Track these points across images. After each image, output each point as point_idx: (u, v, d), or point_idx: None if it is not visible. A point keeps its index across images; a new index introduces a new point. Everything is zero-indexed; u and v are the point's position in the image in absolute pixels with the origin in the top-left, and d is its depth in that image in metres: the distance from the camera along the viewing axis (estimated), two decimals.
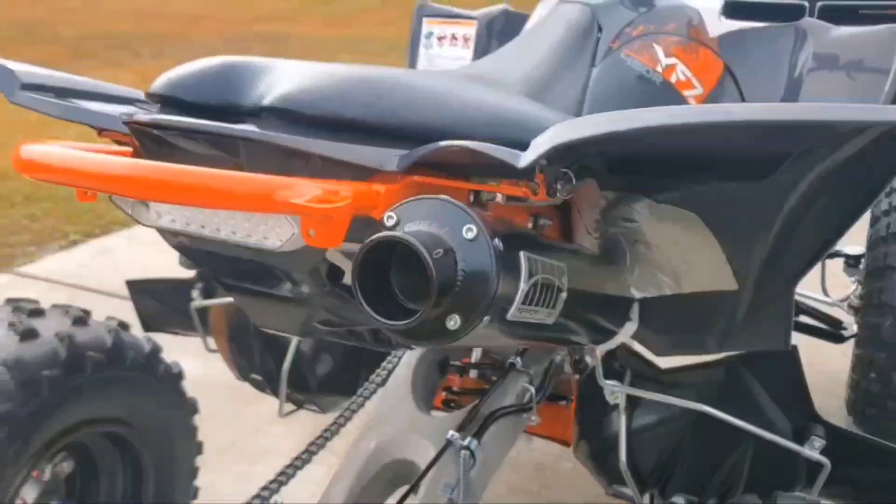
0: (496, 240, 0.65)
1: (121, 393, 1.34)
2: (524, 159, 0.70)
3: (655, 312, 1.10)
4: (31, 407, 1.17)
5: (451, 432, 1.18)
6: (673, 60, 1.61)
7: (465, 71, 1.35)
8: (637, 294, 1.09)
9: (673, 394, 1.19)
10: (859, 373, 1.90)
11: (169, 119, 0.86)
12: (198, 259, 0.98)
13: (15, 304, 1.31)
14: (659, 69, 1.56)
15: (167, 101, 0.91)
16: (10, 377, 1.15)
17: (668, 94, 1.58)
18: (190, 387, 1.49)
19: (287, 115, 0.81)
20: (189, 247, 0.94)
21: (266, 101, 0.81)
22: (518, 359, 1.31)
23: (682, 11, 1.70)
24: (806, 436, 1.18)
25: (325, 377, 1.47)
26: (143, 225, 0.94)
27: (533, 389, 1.29)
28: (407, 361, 1.36)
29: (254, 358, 1.54)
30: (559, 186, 0.77)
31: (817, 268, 2.12)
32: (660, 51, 1.57)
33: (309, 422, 1.85)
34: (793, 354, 1.18)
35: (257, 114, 0.83)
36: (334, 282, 0.87)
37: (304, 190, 0.67)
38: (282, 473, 1.20)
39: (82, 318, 1.31)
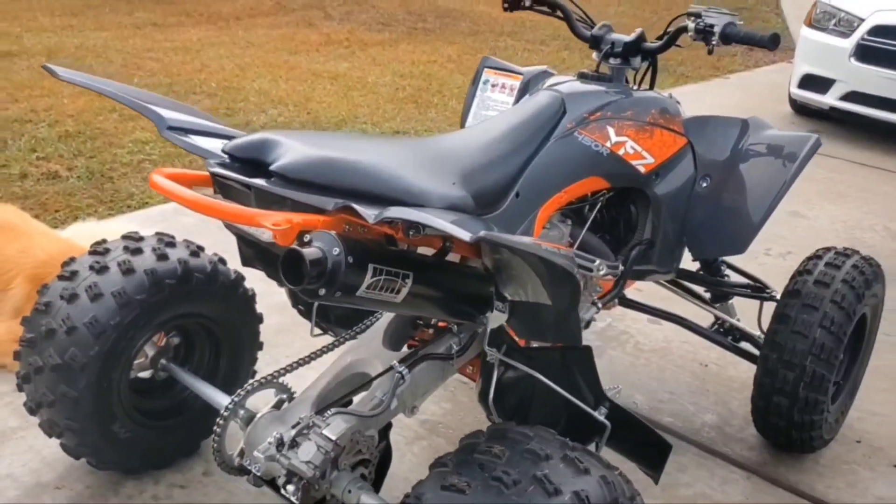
0: (349, 256, 1.36)
1: (213, 301, 2.15)
2: (373, 218, 1.39)
3: (519, 310, 1.77)
4: (156, 298, 1.99)
5: (395, 361, 1.90)
6: (623, 138, 2.20)
7: (427, 147, 1.83)
8: (508, 296, 1.76)
9: (528, 365, 1.85)
10: (765, 390, 2.42)
11: (215, 172, 1.61)
12: (244, 242, 1.77)
13: (160, 236, 2.14)
14: (608, 144, 2.16)
15: (230, 157, 1.66)
16: (146, 280, 1.97)
17: (615, 162, 2.18)
18: (259, 306, 2.30)
19: (282, 174, 1.54)
20: (241, 237, 1.72)
21: (272, 167, 1.55)
22: (455, 326, 2.01)
23: (646, 102, 2.28)
24: (596, 406, 1.83)
25: (339, 316, 2.20)
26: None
27: (456, 348, 1.98)
28: (387, 317, 2.09)
29: (297, 296, 2.30)
30: (411, 234, 1.47)
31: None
32: (612, 131, 2.17)
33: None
34: (588, 351, 1.83)
35: (269, 172, 1.57)
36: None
37: (270, 218, 1.40)
38: (287, 367, 1.96)
39: (196, 252, 2.13)
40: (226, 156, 1.63)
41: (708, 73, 8.40)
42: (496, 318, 1.82)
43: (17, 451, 2.24)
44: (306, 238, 1.39)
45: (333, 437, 1.70)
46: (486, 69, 2.73)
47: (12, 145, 4.47)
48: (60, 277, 2.00)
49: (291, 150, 1.56)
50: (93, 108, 5.25)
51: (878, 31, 5.89)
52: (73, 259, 2.04)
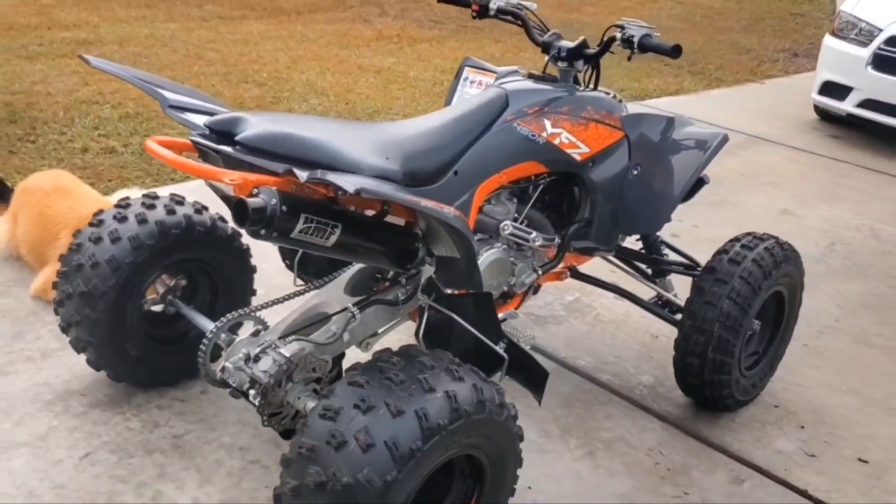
0: (284, 206, 1.81)
1: (212, 250, 2.63)
2: (304, 179, 1.82)
3: (441, 263, 2.20)
4: (164, 244, 2.48)
5: (349, 303, 2.35)
6: (558, 130, 2.60)
7: (377, 131, 2.23)
8: (436, 251, 2.20)
9: (449, 308, 2.27)
10: (682, 352, 2.79)
11: (194, 140, 2.07)
12: (221, 197, 2.25)
13: (172, 196, 2.63)
14: (544, 135, 2.55)
15: (209, 130, 2.11)
16: (156, 228, 2.46)
17: (550, 150, 2.57)
18: (267, 266, 2.78)
19: (244, 143, 2.00)
20: (218, 194, 2.19)
21: (238, 137, 2.00)
22: (403, 279, 2.45)
23: (584, 100, 2.66)
24: (496, 341, 2.25)
25: (316, 269, 2.65)
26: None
27: (402, 297, 2.42)
28: (352, 270, 2.54)
29: (285, 252, 2.75)
30: (339, 194, 1.92)
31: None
32: (548, 123, 2.57)
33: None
34: (488, 296, 2.24)
35: (236, 141, 2.02)
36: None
37: (229, 175, 1.86)
38: (264, 304, 2.42)
39: (200, 210, 2.62)
40: (206, 129, 2.09)
41: (744, 77, 8.62)
42: (427, 271, 2.26)
43: (55, 366, 2.76)
44: (254, 191, 1.85)
45: (287, 355, 2.17)
46: (467, 67, 3.14)
47: (78, 123, 5.07)
48: (90, 224, 2.50)
49: (255, 125, 2.02)
50: None
51: (894, 41, 6.11)
52: (101, 210, 2.54)
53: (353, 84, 6.78)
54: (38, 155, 4.54)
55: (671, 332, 3.36)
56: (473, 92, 3.12)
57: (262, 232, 1.83)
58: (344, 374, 1.92)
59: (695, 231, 4.43)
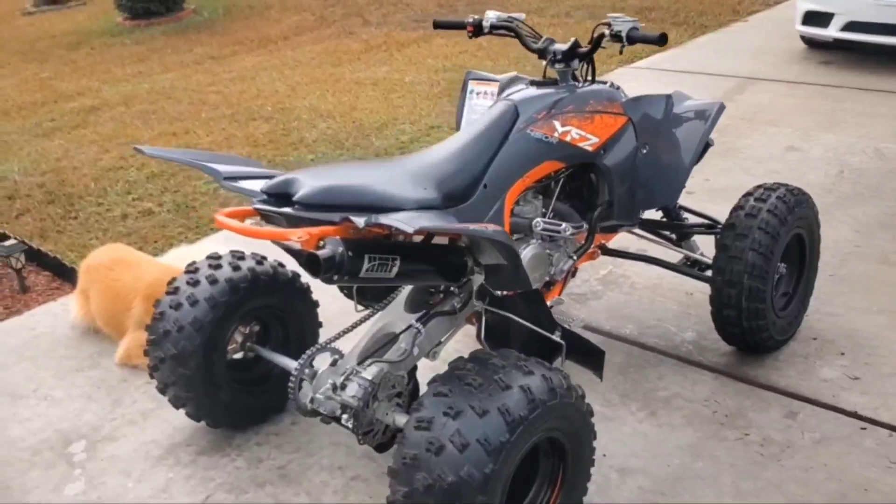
0: (350, 251, 2.05)
1: (278, 295, 2.88)
2: (362, 225, 2.06)
3: (489, 271, 2.44)
4: (236, 298, 2.73)
5: (412, 320, 2.60)
6: (568, 128, 2.82)
7: (410, 164, 2.47)
8: (482, 262, 2.44)
9: (503, 309, 2.52)
10: (718, 306, 3.03)
11: (258, 207, 2.31)
12: (288, 251, 2.50)
13: (233, 252, 2.89)
14: (556, 135, 2.78)
15: (266, 194, 2.35)
16: (227, 286, 2.72)
17: (564, 147, 2.81)
18: (324, 297, 3.03)
19: (302, 202, 2.23)
20: (285, 248, 2.45)
21: (296, 197, 2.24)
22: (454, 288, 2.69)
23: (585, 96, 2.89)
24: (552, 331, 2.49)
25: (372, 294, 2.90)
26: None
27: (458, 305, 2.66)
28: (407, 290, 2.79)
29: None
30: (393, 230, 2.16)
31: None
32: (557, 124, 2.79)
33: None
34: (538, 293, 2.48)
35: (294, 201, 2.26)
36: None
37: (296, 234, 2.10)
38: (336, 336, 2.68)
39: (261, 261, 2.87)
40: (264, 194, 2.34)
41: (728, 18, 8.78)
42: (477, 280, 2.51)
43: (156, 424, 3.03)
44: (321, 243, 2.10)
45: (369, 378, 2.42)
46: (470, 80, 3.36)
47: (111, 191, 5.35)
48: (167, 293, 2.77)
49: (306, 184, 2.26)
50: (170, 148, 6.10)
51: None
52: (174, 279, 2.81)
53: (355, 101, 7.02)
54: (83, 229, 4.82)
55: (704, 288, 3.59)
56: (481, 102, 3.34)
57: (335, 278, 2.08)
58: (427, 387, 2.17)
59: (707, 185, 4.64)
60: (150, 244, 4.54)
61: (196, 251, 4.00)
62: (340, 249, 2.07)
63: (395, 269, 2.21)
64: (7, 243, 4.15)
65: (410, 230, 1.91)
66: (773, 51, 7.29)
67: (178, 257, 3.87)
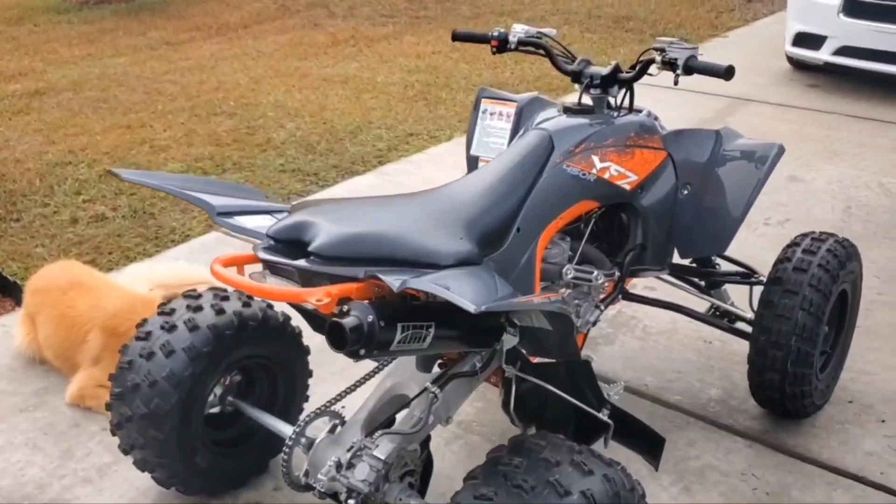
0: (381, 321, 1.68)
1: (267, 342, 2.48)
2: (396, 288, 1.70)
3: (527, 333, 2.08)
4: (219, 348, 2.33)
5: (428, 383, 2.23)
6: (607, 164, 2.49)
7: (436, 202, 2.12)
8: (518, 323, 2.08)
9: (539, 377, 2.17)
10: (759, 368, 2.72)
11: (264, 258, 1.92)
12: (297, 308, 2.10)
13: (215, 291, 2.48)
14: (594, 171, 2.44)
15: (273, 240, 1.97)
16: (210, 333, 2.31)
17: (602, 185, 2.47)
18: (306, 328, 2.64)
19: (319, 254, 1.85)
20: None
21: (312, 247, 1.86)
22: (475, 348, 2.33)
23: (625, 128, 2.56)
24: (599, 409, 2.15)
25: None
26: None
27: (479, 365, 2.30)
28: None
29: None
30: (429, 296, 1.79)
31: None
32: (596, 159, 2.45)
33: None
34: (587, 363, 2.15)
35: (309, 252, 1.88)
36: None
37: (314, 295, 1.72)
38: (337, 396, 2.30)
39: (248, 302, 2.47)
40: (270, 239, 1.95)
41: (707, 32, 8.57)
42: (509, 341, 2.14)
43: (115, 483, 2.61)
44: (345, 308, 1.71)
45: (382, 457, 2.05)
46: (483, 99, 3.01)
47: (58, 190, 4.84)
48: (137, 338, 2.34)
49: (323, 230, 1.88)
50: (125, 144, 5.60)
51: None
52: (145, 320, 2.38)
53: (324, 100, 6.59)
54: (27, 234, 4.31)
55: (722, 336, 3.31)
56: (495, 124, 3.00)
57: (363, 352, 1.71)
58: (464, 484, 1.81)
59: None
60: (104, 256, 4.07)
61: (158, 270, 3.57)
62: (371, 318, 1.69)
63: (430, 339, 1.84)
64: None
65: (472, 309, 1.55)
66: (759, 70, 7.08)
67: (139, 275, 3.44)
